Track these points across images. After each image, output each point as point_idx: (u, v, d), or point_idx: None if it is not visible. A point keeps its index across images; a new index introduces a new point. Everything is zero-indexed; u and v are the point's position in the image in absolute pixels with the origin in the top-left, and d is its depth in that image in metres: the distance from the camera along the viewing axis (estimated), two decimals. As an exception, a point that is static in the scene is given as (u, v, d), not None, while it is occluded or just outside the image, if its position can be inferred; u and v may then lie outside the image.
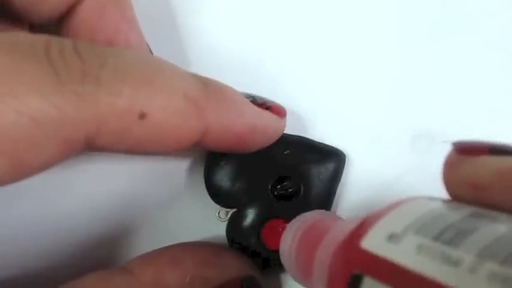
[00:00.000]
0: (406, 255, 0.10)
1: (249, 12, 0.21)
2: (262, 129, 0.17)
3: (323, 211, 0.18)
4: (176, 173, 0.20)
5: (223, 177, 0.19)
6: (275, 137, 0.18)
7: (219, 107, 0.15)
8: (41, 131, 0.12)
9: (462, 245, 0.10)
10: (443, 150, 0.20)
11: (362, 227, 0.12)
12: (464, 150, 0.12)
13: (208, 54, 0.21)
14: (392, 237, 0.11)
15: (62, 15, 0.17)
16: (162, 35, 0.20)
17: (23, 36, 0.13)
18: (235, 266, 0.18)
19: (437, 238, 0.10)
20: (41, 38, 0.13)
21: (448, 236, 0.10)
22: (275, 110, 0.18)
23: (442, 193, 0.20)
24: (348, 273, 0.12)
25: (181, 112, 0.14)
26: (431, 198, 0.12)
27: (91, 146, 0.14)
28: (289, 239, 0.16)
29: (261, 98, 0.18)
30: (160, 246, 0.18)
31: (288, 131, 0.20)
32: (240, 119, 0.16)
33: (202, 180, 0.19)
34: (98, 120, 0.13)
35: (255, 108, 0.17)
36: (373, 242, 0.12)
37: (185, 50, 0.21)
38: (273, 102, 0.18)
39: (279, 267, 0.19)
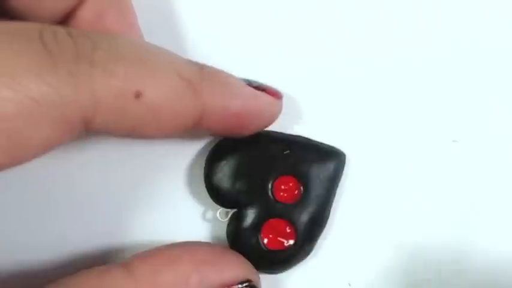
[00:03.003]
0: None
1: (247, 12, 0.21)
2: (258, 110, 0.17)
3: None
4: (176, 173, 0.20)
5: (223, 177, 0.19)
6: (272, 118, 0.18)
7: (215, 88, 0.16)
8: (37, 110, 0.12)
9: None
10: (444, 149, 0.20)
11: None
12: None
13: (207, 53, 0.21)
14: None
15: (63, 17, 0.17)
16: (162, 35, 0.21)
17: (16, 23, 0.14)
18: (235, 266, 0.18)
19: None
20: (34, 24, 0.13)
21: None
22: (271, 92, 0.18)
23: (442, 190, 0.20)
24: None
25: (177, 91, 0.14)
26: None
27: (89, 128, 0.14)
28: None
29: (256, 82, 0.18)
30: (159, 246, 0.18)
31: (288, 131, 0.20)
32: (236, 100, 0.16)
33: (202, 180, 0.19)
34: (94, 100, 0.13)
35: (251, 89, 0.17)
36: None
37: (184, 49, 0.21)
38: (268, 85, 0.18)
39: (279, 268, 0.19)
